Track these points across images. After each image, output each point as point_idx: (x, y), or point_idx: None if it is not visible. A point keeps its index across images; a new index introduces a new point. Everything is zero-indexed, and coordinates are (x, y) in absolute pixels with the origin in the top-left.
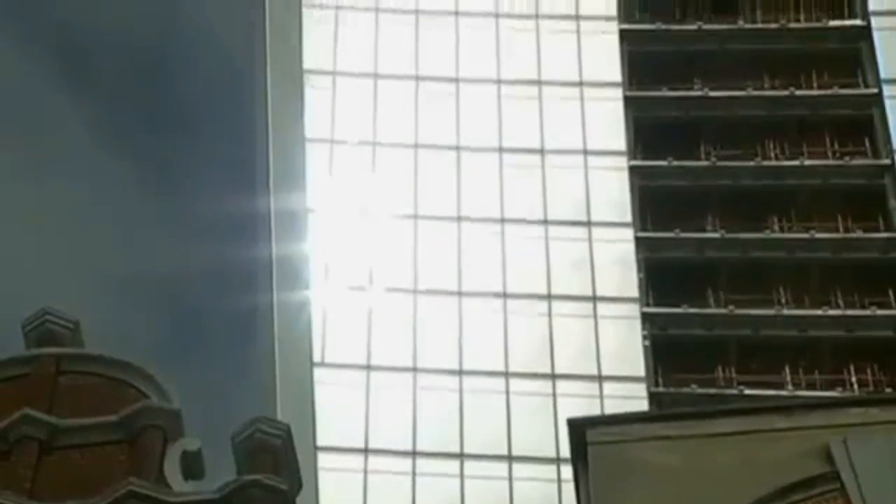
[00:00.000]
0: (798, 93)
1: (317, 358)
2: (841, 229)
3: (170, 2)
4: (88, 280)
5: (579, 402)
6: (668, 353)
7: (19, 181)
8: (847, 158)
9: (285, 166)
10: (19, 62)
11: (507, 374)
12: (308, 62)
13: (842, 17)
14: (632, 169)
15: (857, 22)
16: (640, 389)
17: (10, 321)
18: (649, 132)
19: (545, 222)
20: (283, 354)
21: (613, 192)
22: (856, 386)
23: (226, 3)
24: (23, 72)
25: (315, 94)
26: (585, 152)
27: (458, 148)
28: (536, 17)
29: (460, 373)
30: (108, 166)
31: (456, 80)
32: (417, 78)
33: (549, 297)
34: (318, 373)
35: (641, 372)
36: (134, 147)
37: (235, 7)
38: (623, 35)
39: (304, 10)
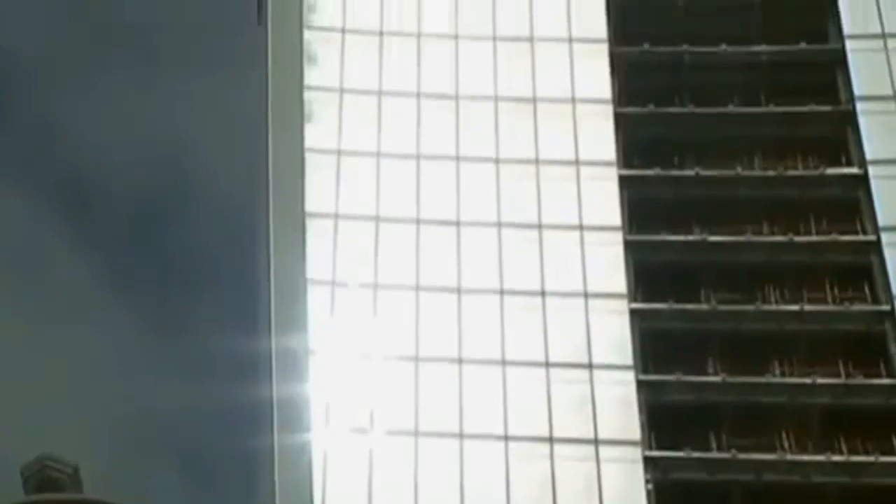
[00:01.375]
0: (797, 239)
1: (317, 501)
2: (842, 375)
3: (172, 150)
4: (89, 422)
5: None
6: (670, 498)
7: (21, 324)
8: (847, 304)
9: (287, 308)
10: (23, 209)
11: None
12: (310, 205)
13: (839, 165)
14: (633, 312)
15: (855, 170)
16: None
17: (10, 465)
18: (650, 275)
19: (546, 364)
20: (284, 498)
21: (614, 334)
22: None
23: (228, 147)
24: (27, 218)
25: (317, 237)
26: (586, 295)
27: (459, 290)
28: (537, 162)
29: None
30: (109, 308)
31: (457, 223)
32: (419, 221)
33: (550, 439)
34: None
35: None
36: (135, 289)
37: (237, 151)
38: (622, 180)
39: (307, 155)
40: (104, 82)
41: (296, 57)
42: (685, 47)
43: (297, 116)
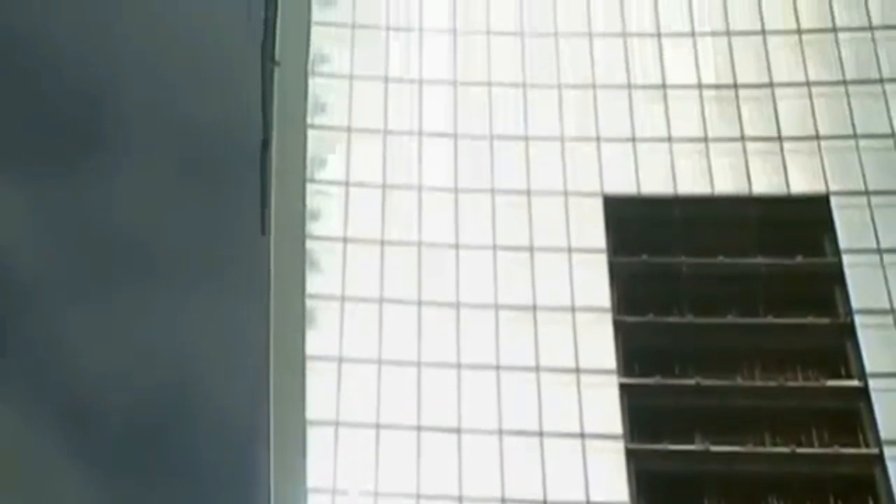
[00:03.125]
0: (799, 451)
1: None
2: None
3: (172, 365)
4: None
5: None
6: None
7: None
8: None
9: None
10: (22, 427)
11: None
12: (311, 412)
13: (839, 378)
14: None
15: (855, 383)
16: None
17: None
18: (652, 485)
19: None
20: None
21: None
22: None
23: (229, 358)
24: (25, 436)
25: (318, 444)
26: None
27: (460, 498)
28: (537, 369)
29: None
30: None
31: (458, 430)
32: (419, 428)
33: None
34: None
35: None
36: (135, 491)
37: (238, 361)
38: (623, 389)
39: (308, 362)
40: (104, 299)
41: (298, 267)
42: (683, 258)
43: (298, 325)
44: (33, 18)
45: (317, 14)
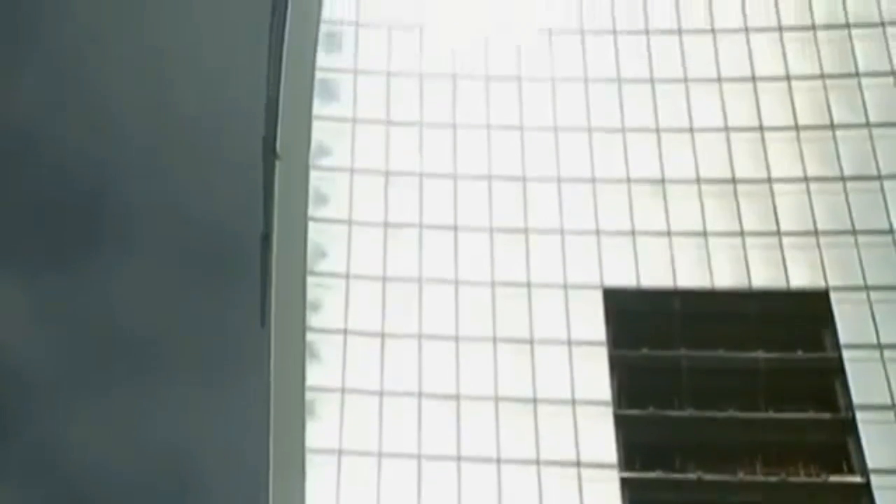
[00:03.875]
0: None
1: None
2: None
3: (172, 458)
4: None
5: None
6: None
7: None
8: None
9: None
10: None
11: None
12: None
13: (841, 473)
14: None
15: (858, 479)
16: None
17: None
18: None
19: None
20: None
21: None
22: None
23: (228, 451)
24: None
25: None
26: None
27: None
28: (538, 462)
29: None
30: None
31: None
32: None
33: None
34: None
35: None
36: None
37: (237, 454)
38: (624, 483)
39: (308, 455)
40: (104, 393)
41: (298, 359)
42: (683, 351)
43: (298, 417)
44: (37, 116)
45: (318, 108)
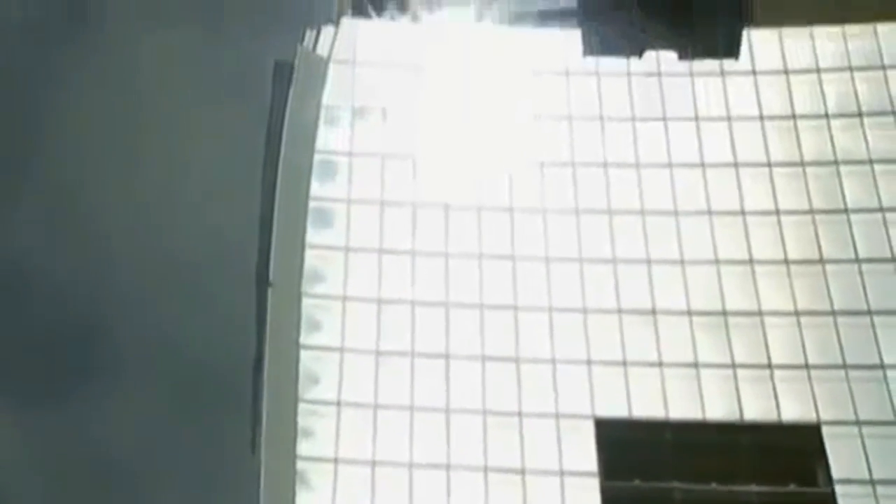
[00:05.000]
0: None
1: None
2: None
3: None
4: None
5: None
6: None
7: None
8: None
9: None
10: None
11: None
12: None
13: None
14: None
15: None
16: None
17: None
18: None
19: None
20: None
21: None
22: None
23: None
24: None
25: None
26: None
27: None
28: None
29: None
30: None
31: None
32: None
33: None
34: None
35: None
36: None
37: None
38: None
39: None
40: None
41: (288, 487)
42: (675, 483)
43: None
44: (31, 249)
45: (311, 236)
